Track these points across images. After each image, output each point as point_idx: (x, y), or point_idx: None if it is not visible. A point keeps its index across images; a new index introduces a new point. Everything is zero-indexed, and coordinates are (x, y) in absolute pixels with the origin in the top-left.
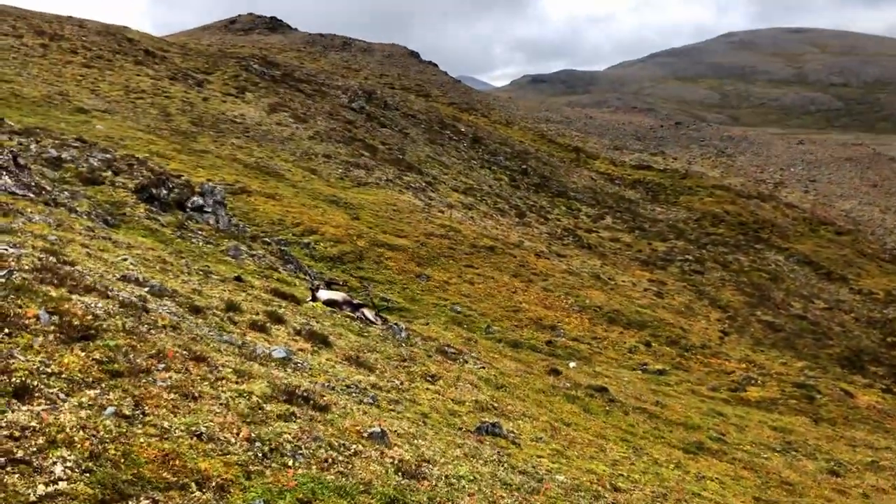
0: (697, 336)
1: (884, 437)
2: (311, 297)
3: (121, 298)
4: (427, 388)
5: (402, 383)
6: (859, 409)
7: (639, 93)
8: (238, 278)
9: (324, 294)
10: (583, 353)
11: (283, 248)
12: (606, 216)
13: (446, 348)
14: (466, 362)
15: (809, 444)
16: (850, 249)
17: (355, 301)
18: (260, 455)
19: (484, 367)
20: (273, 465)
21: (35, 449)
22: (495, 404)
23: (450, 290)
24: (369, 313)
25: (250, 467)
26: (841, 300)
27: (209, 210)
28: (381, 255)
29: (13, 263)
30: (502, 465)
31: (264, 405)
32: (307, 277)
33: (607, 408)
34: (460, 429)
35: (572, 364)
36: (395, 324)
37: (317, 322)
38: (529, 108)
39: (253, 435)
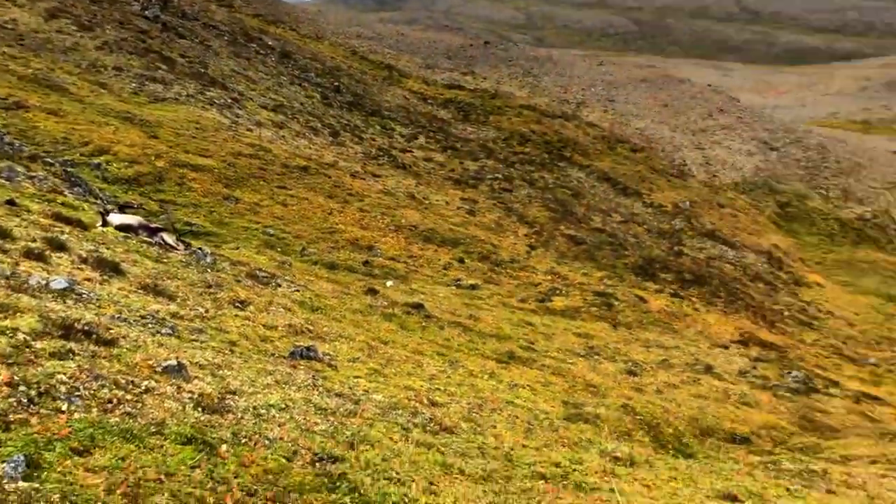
0: (507, 251)
1: (672, 338)
2: (101, 222)
3: None
4: (236, 315)
5: (207, 311)
6: (651, 312)
7: (449, 11)
8: (11, 202)
9: (116, 218)
10: (399, 272)
11: (68, 169)
12: (420, 136)
13: (257, 272)
14: (280, 286)
15: (609, 347)
16: (644, 166)
17: (153, 225)
18: (25, 401)
19: (298, 290)
20: (42, 411)
21: None
22: (310, 327)
23: (261, 213)
24: (169, 238)
25: (10, 416)
26: (635, 213)
27: None
28: (184, 176)
29: None
30: (317, 390)
31: (33, 342)
32: (98, 201)
33: (424, 324)
34: (272, 355)
35: (389, 283)
36: (200, 249)
37: (107, 248)
38: (339, 22)
39: (16, 378)
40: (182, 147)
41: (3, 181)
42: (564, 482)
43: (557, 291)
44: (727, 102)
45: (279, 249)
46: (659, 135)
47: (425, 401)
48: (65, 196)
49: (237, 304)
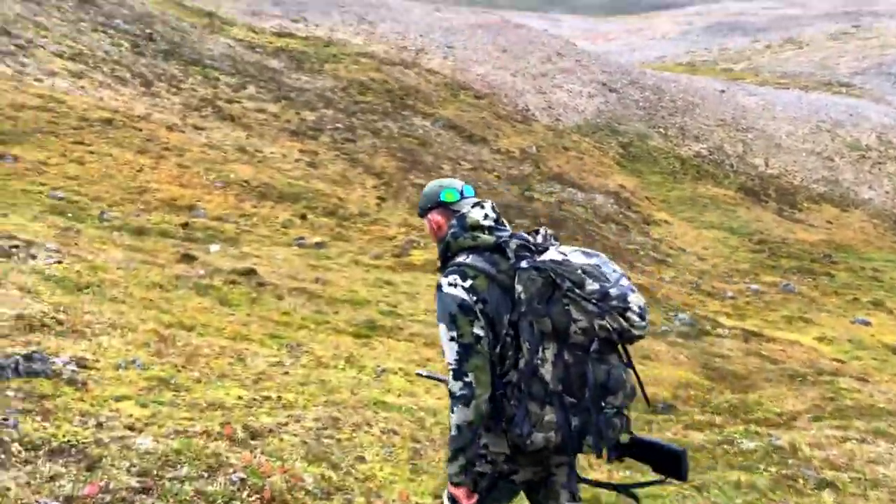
0: (355, 204)
1: None
2: None
3: None
4: None
5: None
6: None
7: None
8: None
9: None
10: (228, 234)
11: None
12: (249, 85)
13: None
14: (34, 257)
15: None
16: (488, 112)
17: None
18: None
19: (60, 262)
20: None
21: None
22: (62, 316)
23: (49, 173)
24: None
25: None
26: (483, 160)
27: None
28: None
29: None
30: (16, 446)
31: None
32: None
33: (254, 294)
34: None
35: (214, 247)
36: None
37: None
38: None
39: None
40: None
41: None
42: None
43: (415, 244)
44: (565, 46)
45: (70, 215)
46: (500, 80)
47: (240, 432)
48: None
49: None
